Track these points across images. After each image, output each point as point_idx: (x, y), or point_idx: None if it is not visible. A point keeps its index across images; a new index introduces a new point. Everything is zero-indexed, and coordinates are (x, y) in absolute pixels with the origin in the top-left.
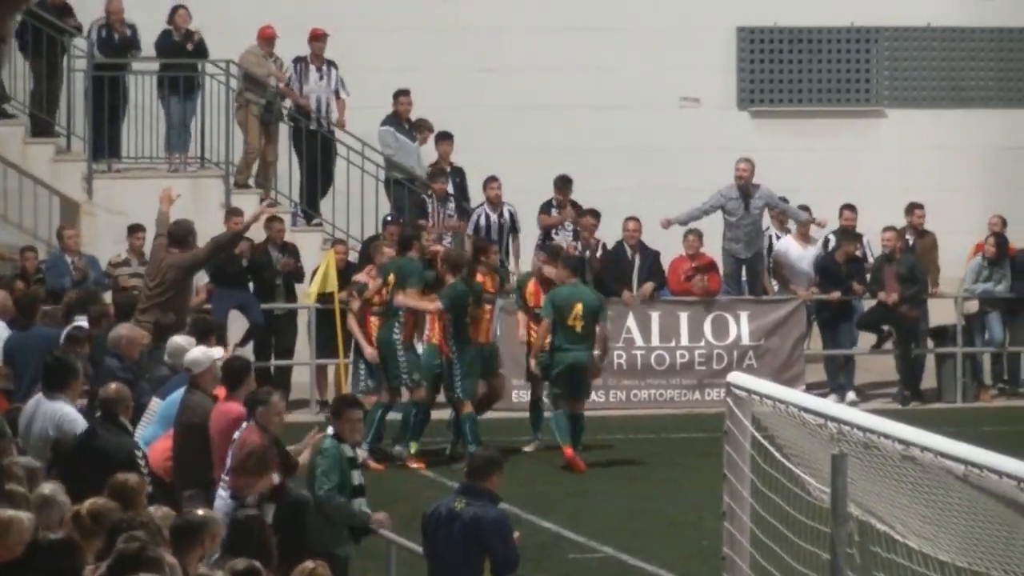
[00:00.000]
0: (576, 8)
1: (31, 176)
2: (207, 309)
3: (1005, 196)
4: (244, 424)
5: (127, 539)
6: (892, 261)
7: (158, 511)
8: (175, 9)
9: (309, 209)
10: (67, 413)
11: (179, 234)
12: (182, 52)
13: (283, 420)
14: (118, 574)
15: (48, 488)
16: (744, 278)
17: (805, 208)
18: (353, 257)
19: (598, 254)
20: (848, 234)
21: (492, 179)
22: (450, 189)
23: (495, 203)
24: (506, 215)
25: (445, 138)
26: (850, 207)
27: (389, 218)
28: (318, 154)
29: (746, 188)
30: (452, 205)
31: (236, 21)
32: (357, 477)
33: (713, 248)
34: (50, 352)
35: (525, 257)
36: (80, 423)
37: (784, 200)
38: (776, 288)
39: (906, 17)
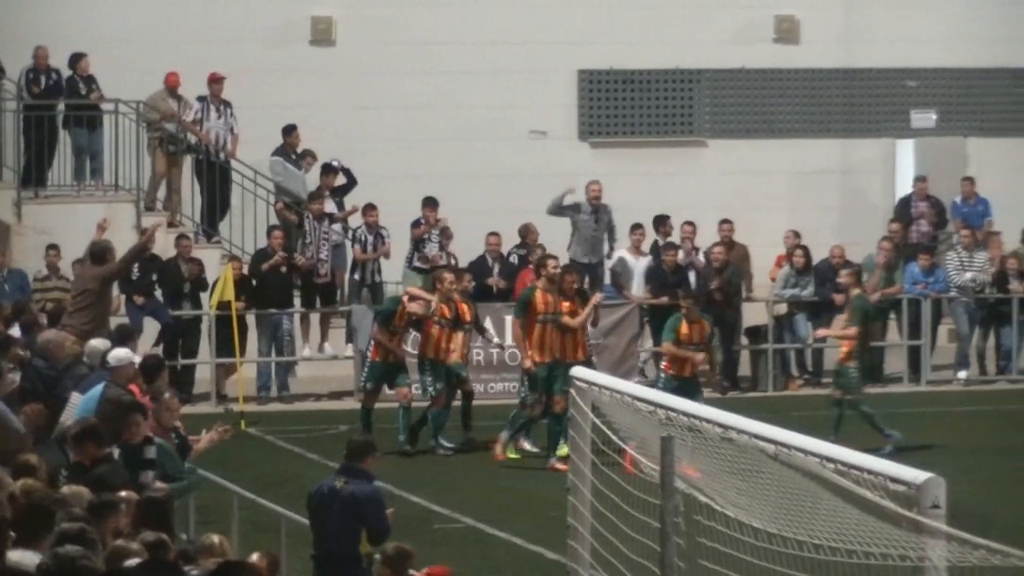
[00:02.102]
0: (440, 54)
1: None
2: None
3: (809, 215)
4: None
5: (68, 519)
6: (720, 272)
7: (71, 489)
8: (77, 57)
9: (209, 228)
10: None
11: (98, 252)
12: (83, 95)
13: (178, 413)
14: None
15: None
16: (587, 283)
17: (638, 225)
18: (246, 270)
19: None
20: (670, 245)
21: (371, 206)
22: (330, 208)
23: (372, 227)
24: (384, 236)
25: (329, 171)
26: (689, 223)
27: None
28: (217, 181)
29: (597, 206)
30: (329, 225)
31: (146, 66)
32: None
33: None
34: None
35: (392, 267)
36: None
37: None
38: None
39: (723, 61)
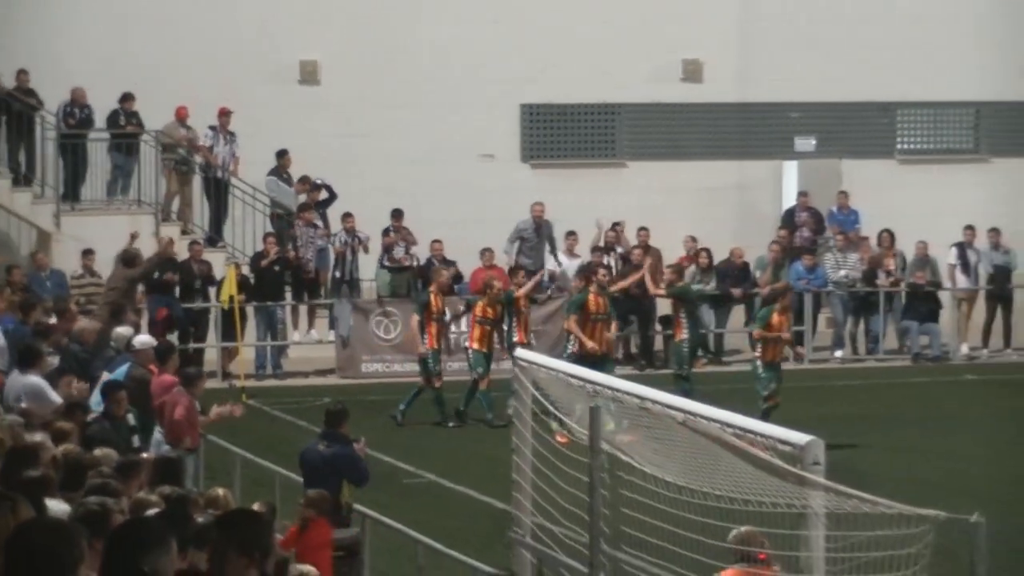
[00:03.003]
0: (407, 91)
1: (15, 215)
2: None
3: (710, 223)
4: (175, 389)
5: (96, 475)
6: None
7: (101, 451)
8: (126, 96)
9: (215, 235)
10: (34, 383)
11: (129, 258)
12: (122, 126)
13: (203, 390)
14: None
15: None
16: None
17: (572, 232)
18: (246, 270)
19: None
20: (599, 249)
21: (348, 215)
22: (317, 221)
23: (349, 232)
24: (361, 238)
25: (314, 188)
26: (644, 228)
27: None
28: (221, 196)
29: (539, 221)
30: (315, 231)
31: (161, 101)
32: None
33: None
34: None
35: (367, 267)
36: (44, 389)
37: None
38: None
39: (640, 96)
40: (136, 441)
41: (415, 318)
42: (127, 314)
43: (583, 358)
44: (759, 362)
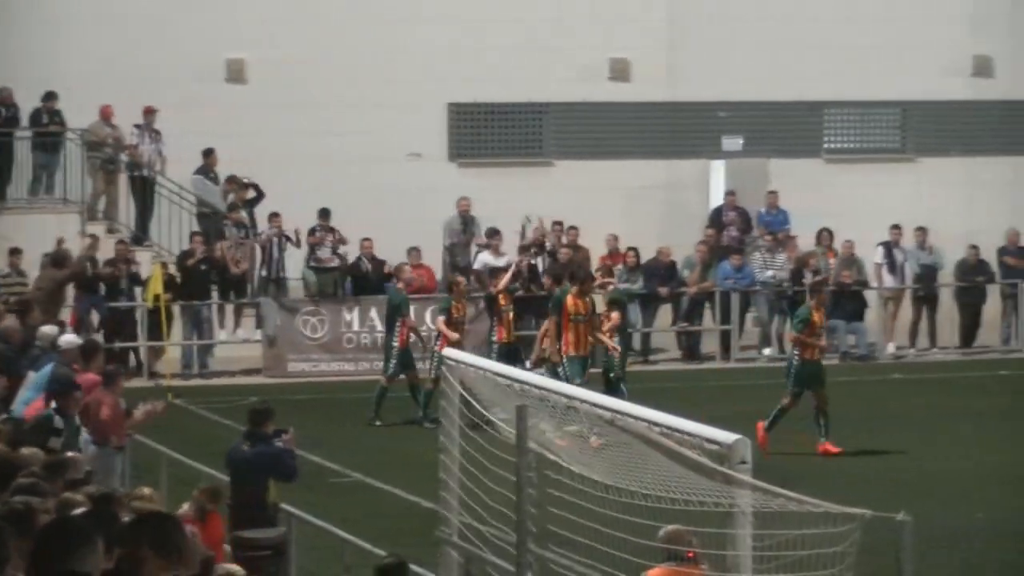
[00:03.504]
0: (333, 90)
1: None
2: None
3: (638, 222)
4: (99, 389)
5: (25, 475)
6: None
7: (29, 450)
8: (49, 94)
9: (141, 234)
10: None
11: (59, 258)
12: (45, 125)
13: (123, 388)
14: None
15: None
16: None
17: (496, 231)
18: (172, 269)
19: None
20: (525, 248)
21: (275, 215)
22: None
23: (278, 232)
24: (293, 237)
25: (241, 187)
26: (572, 227)
27: None
28: (148, 194)
29: (465, 217)
30: (243, 232)
31: (86, 100)
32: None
33: (433, 259)
34: None
35: (294, 265)
36: None
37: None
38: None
39: (568, 95)
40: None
41: (440, 319)
42: (34, 312)
43: (571, 360)
44: (796, 359)
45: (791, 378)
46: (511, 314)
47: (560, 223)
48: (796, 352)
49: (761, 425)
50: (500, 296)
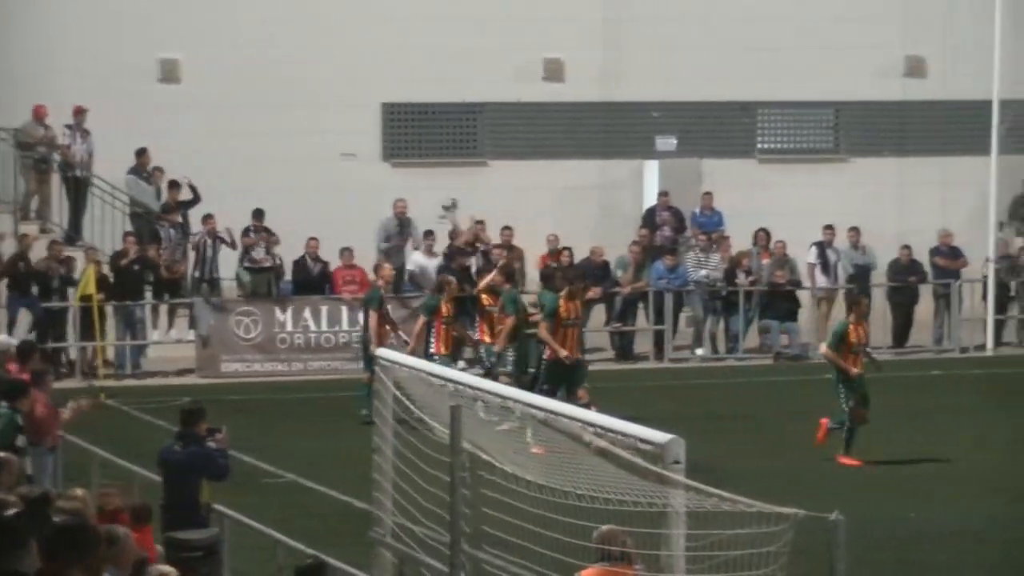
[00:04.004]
0: (267, 90)
1: None
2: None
3: (572, 222)
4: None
5: None
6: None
7: None
8: None
9: (74, 234)
10: None
11: None
12: None
13: (52, 387)
14: None
15: None
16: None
17: (430, 232)
18: (105, 270)
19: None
20: (461, 251)
21: (209, 216)
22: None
23: (211, 233)
24: (227, 238)
25: (176, 187)
26: (508, 227)
27: None
28: (80, 194)
29: (401, 218)
30: (177, 233)
31: (18, 99)
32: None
33: (367, 259)
34: None
35: (227, 266)
36: None
37: None
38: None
39: (502, 95)
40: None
41: (421, 320)
42: None
43: (554, 365)
44: (840, 377)
45: (842, 396)
46: (495, 314)
47: (483, 222)
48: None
49: (825, 422)
50: (483, 295)
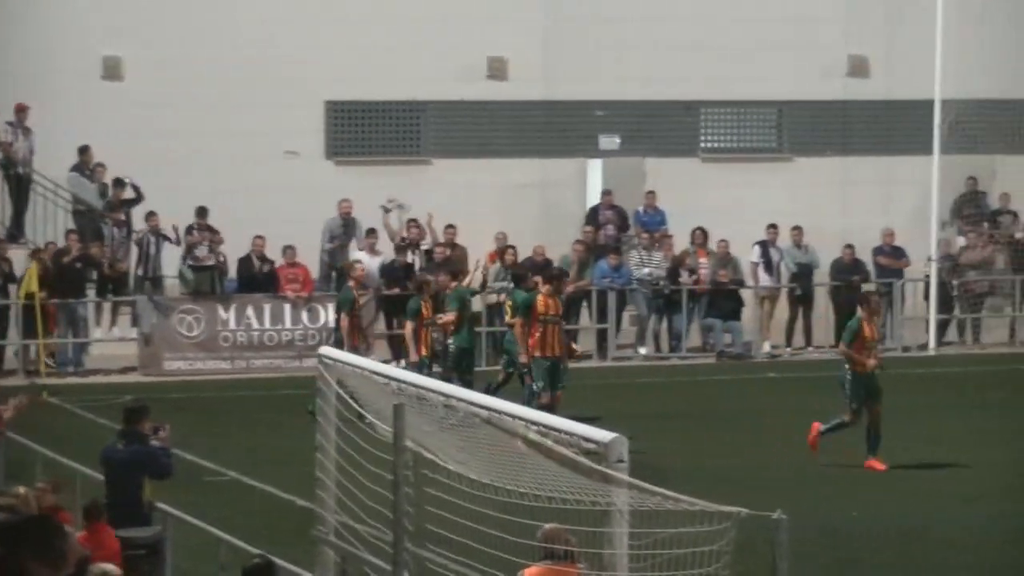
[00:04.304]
0: (211, 88)
1: None
2: None
3: (516, 221)
4: None
5: None
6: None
7: None
8: None
9: (16, 231)
10: None
11: None
12: None
13: None
14: None
15: None
16: (333, 279)
17: (372, 230)
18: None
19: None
20: (401, 249)
21: (152, 214)
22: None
23: (154, 231)
24: (172, 236)
25: (118, 184)
26: (451, 226)
27: None
28: (23, 192)
29: (346, 219)
30: (120, 232)
31: None
32: None
33: (310, 258)
34: None
35: (170, 264)
36: None
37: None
38: None
39: (446, 94)
40: None
41: (409, 325)
42: None
43: (540, 363)
44: (848, 374)
45: (849, 394)
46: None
47: (416, 220)
48: (847, 366)
49: (817, 426)
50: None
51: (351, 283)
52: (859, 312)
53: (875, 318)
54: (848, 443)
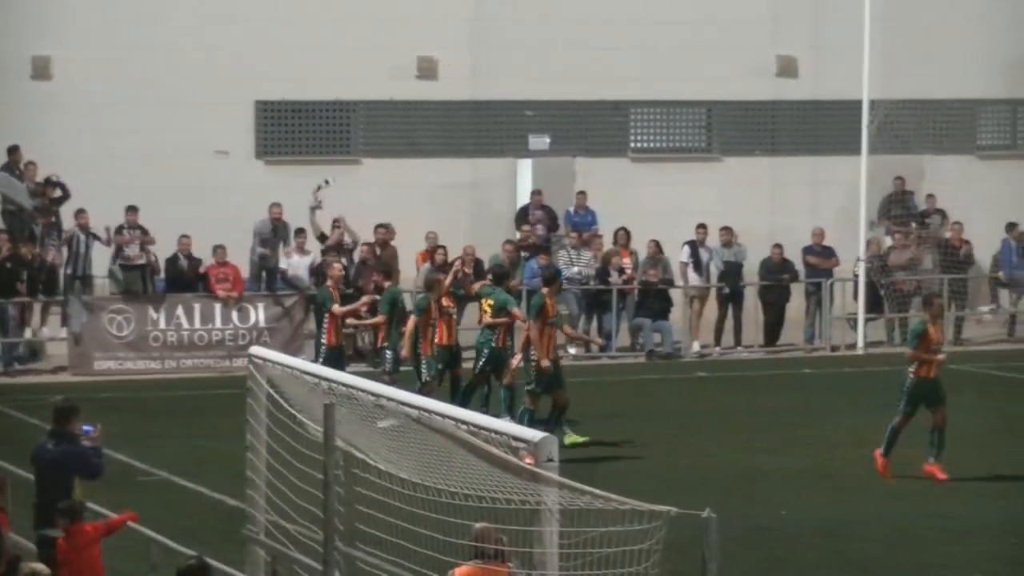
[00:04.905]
0: (141, 88)
1: None
2: None
3: (446, 221)
4: None
5: None
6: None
7: None
8: None
9: None
10: None
11: None
12: None
13: None
14: None
15: None
16: (264, 279)
17: (301, 230)
18: None
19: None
20: (334, 248)
21: (82, 211)
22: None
23: (83, 229)
24: (103, 236)
25: (48, 185)
26: (384, 225)
27: None
28: None
29: (276, 223)
30: (52, 234)
31: None
32: None
33: (240, 257)
34: None
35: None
36: None
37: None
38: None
39: (375, 94)
40: None
41: (412, 320)
42: None
43: (542, 374)
44: (910, 376)
45: (904, 396)
46: (454, 316)
47: (338, 220)
48: (911, 369)
49: (879, 452)
50: (443, 297)
51: (329, 283)
52: (923, 315)
53: (939, 320)
54: (770, 441)
